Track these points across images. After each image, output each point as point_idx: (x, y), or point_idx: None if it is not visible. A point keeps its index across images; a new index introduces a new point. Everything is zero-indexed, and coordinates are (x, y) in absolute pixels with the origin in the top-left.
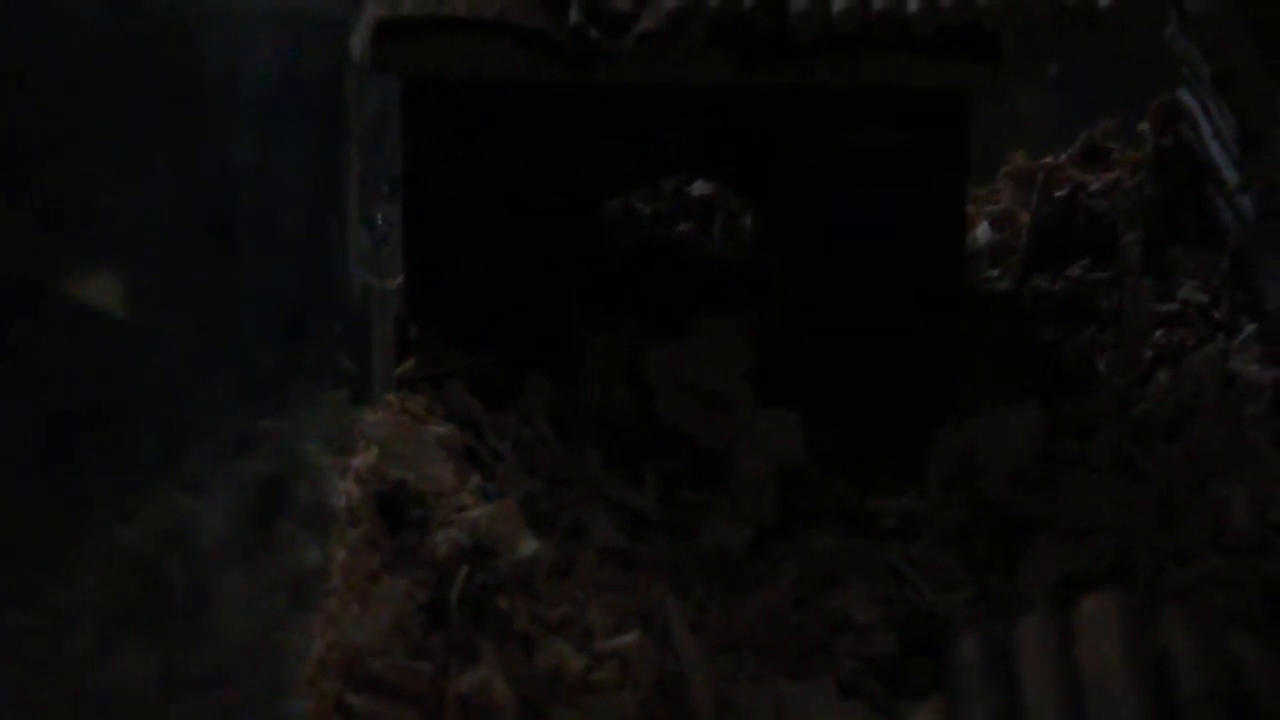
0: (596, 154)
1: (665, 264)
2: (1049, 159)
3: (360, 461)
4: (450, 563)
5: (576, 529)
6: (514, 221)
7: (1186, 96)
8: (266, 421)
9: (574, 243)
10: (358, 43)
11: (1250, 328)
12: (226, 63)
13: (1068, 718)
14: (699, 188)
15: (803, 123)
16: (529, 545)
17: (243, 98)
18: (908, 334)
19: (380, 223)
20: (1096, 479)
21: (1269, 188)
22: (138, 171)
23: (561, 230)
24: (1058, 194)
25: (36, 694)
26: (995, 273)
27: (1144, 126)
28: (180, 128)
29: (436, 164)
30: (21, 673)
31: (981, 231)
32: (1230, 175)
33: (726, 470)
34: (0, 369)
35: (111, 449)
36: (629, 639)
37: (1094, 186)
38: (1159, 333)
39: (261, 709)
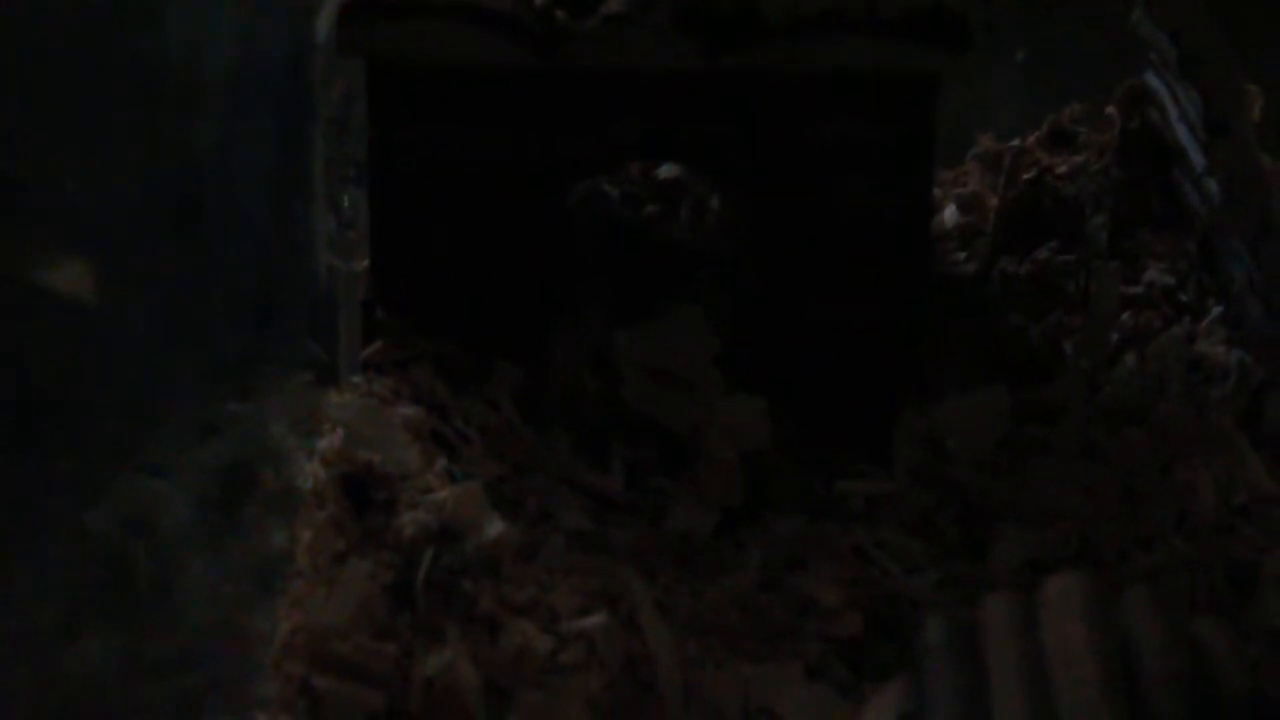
0: (563, 138)
1: (632, 247)
2: (1017, 142)
3: (326, 444)
4: (416, 545)
5: (543, 512)
6: (480, 205)
7: (1153, 80)
8: (232, 405)
9: (541, 226)
10: (323, 25)
11: (1217, 310)
12: (191, 45)
13: (1033, 698)
14: (666, 171)
15: (770, 107)
16: (495, 528)
17: (208, 81)
18: (874, 318)
19: (346, 206)
20: (1062, 464)
21: (1235, 171)
22: (101, 155)
23: (528, 214)
24: (1025, 177)
25: (1, 678)
26: (963, 255)
27: (1111, 110)
28: (145, 111)
29: (402, 147)
30: None
31: (949, 214)
32: (1197, 159)
33: (693, 454)
34: None
35: (76, 434)
36: (595, 621)
37: (1061, 169)
38: (1126, 315)
39: (227, 692)
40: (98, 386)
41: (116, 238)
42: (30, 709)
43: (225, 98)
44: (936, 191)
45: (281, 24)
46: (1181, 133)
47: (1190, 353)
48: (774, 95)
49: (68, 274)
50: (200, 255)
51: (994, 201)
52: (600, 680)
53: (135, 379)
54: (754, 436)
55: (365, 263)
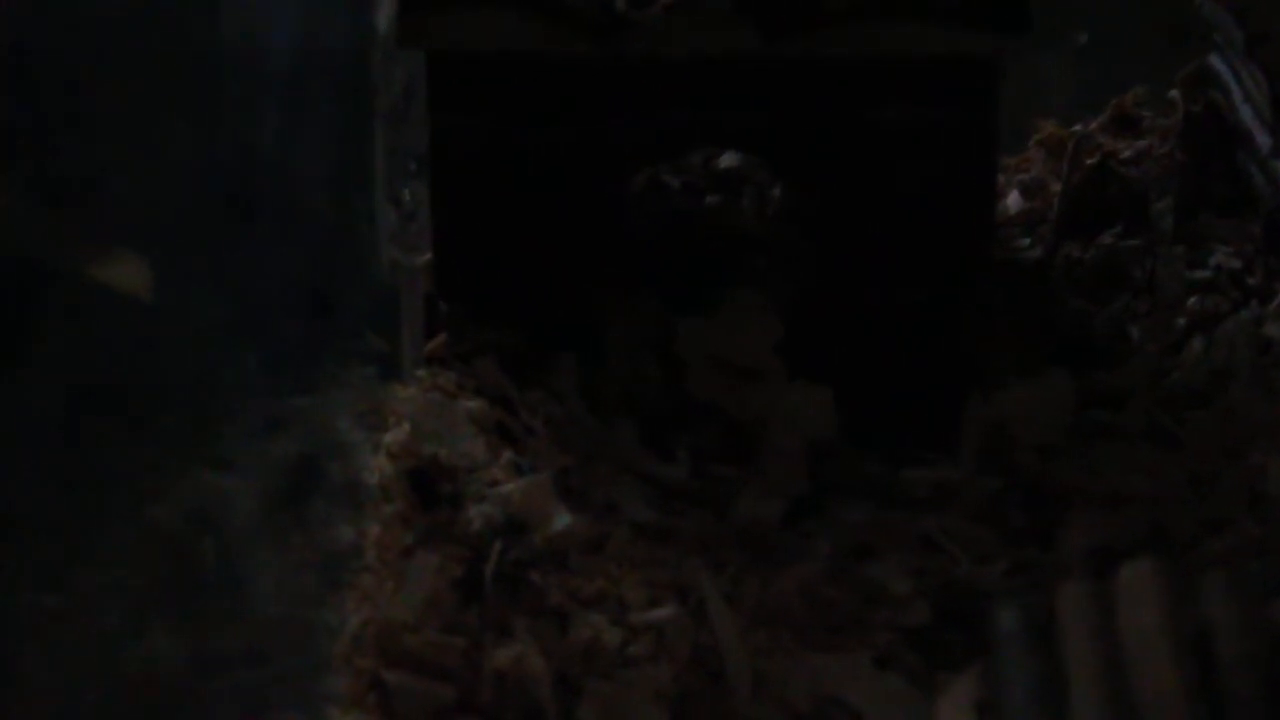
0: (624, 127)
1: (694, 237)
2: (1079, 127)
3: (392, 437)
4: (484, 538)
5: (609, 504)
6: (541, 196)
7: (1217, 62)
8: (296, 399)
9: (602, 217)
10: (383, 17)
11: None
12: (252, 39)
13: (1109, 685)
14: (727, 160)
15: (831, 93)
16: (562, 520)
17: (268, 74)
18: (938, 305)
19: (407, 199)
20: (1130, 448)
21: None
22: (163, 150)
23: (589, 204)
24: (1089, 162)
25: (68, 675)
26: (1026, 241)
27: (1175, 93)
28: (205, 105)
29: (463, 139)
30: (53, 654)
31: (1012, 200)
32: (1262, 140)
33: (758, 444)
34: (29, 352)
35: (142, 430)
36: (664, 612)
37: (1125, 154)
38: (1192, 300)
39: (297, 687)
40: (162, 382)
41: (179, 232)
42: (98, 705)
43: (287, 91)
44: (1000, 178)
45: (341, 16)
46: (1246, 115)
47: (1258, 336)
48: (835, 81)
49: (129, 270)
50: (263, 249)
51: (1057, 187)
52: (669, 672)
53: (199, 374)
54: (819, 425)
55: (427, 256)
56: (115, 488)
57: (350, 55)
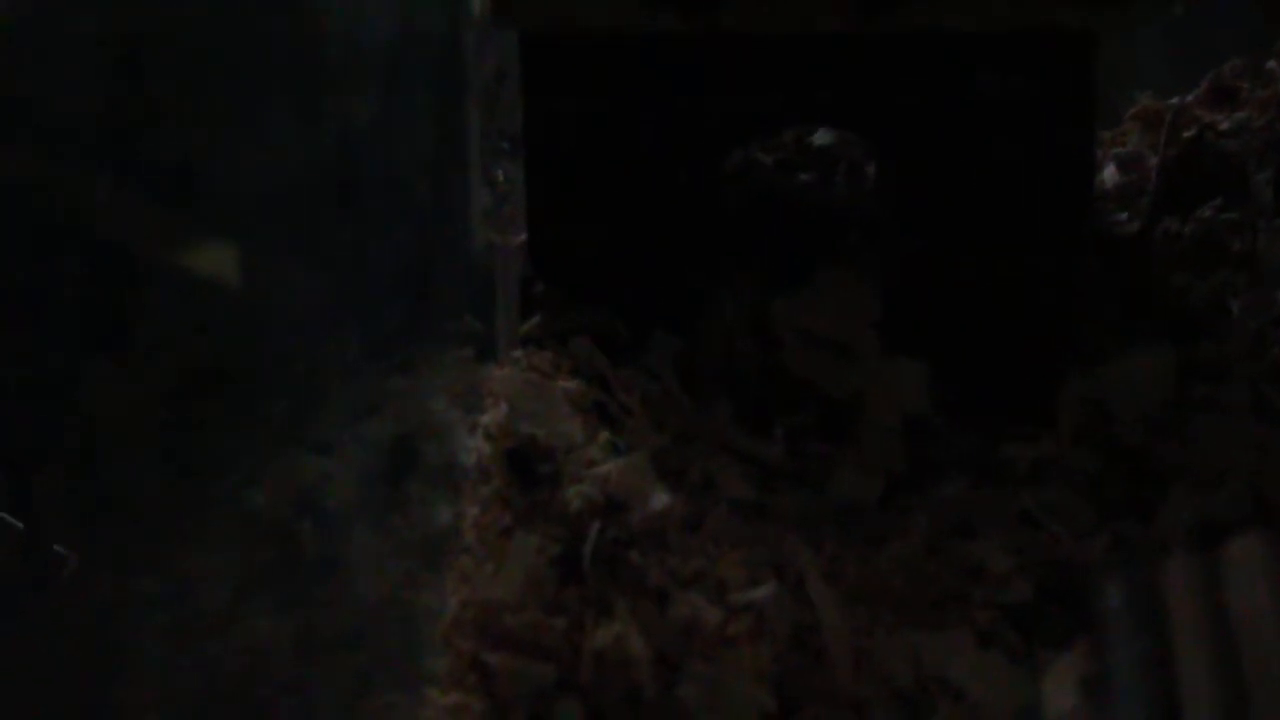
0: (717, 105)
1: (788, 215)
2: (1176, 100)
3: (489, 418)
4: (582, 518)
5: (706, 482)
6: (635, 175)
7: None
8: (394, 381)
9: (696, 195)
10: None
11: None
12: (347, 21)
13: (1220, 661)
14: (820, 137)
15: (927, 68)
16: (660, 499)
17: (364, 56)
18: (1035, 280)
19: (501, 179)
20: (1232, 422)
21: None
22: (262, 135)
23: (683, 183)
24: (1186, 135)
25: (172, 659)
26: (1124, 215)
27: (1273, 64)
28: (303, 89)
29: (557, 119)
30: (156, 638)
31: (1109, 173)
32: None
33: (855, 421)
34: (132, 340)
35: (240, 413)
36: (764, 591)
37: (1223, 126)
38: None
39: (397, 668)
40: (261, 366)
41: (279, 216)
42: (201, 688)
43: (382, 73)
44: (1096, 151)
45: None
46: None
47: None
48: (930, 56)
49: (227, 255)
50: (360, 232)
51: (1154, 161)
52: (769, 651)
53: (298, 357)
54: (916, 401)
55: (522, 236)
56: (217, 472)
57: (444, 37)
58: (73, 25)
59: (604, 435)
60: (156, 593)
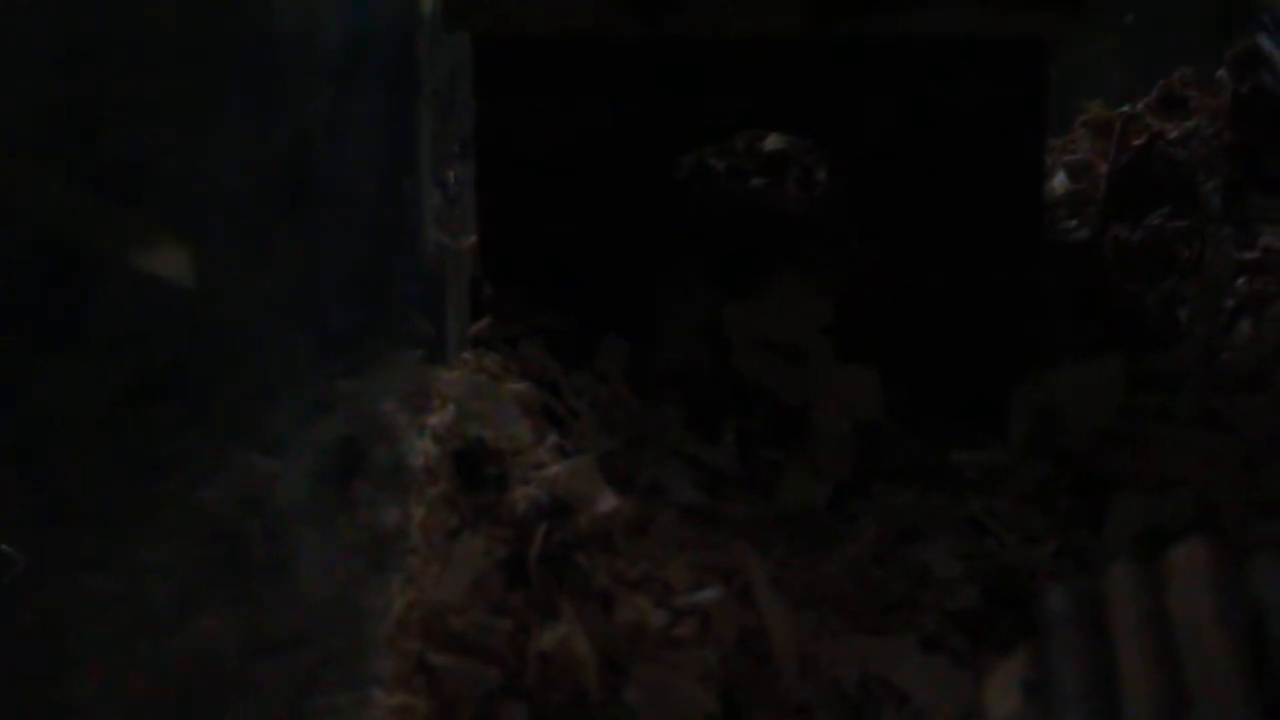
0: (670, 109)
1: (740, 219)
2: (1127, 108)
3: (438, 420)
4: (529, 520)
5: (655, 486)
6: (587, 178)
7: (1266, 42)
8: (343, 382)
9: (648, 199)
10: (429, 1)
11: None
12: (300, 21)
13: (1161, 668)
14: (772, 142)
15: (880, 74)
16: (607, 502)
17: (316, 56)
18: (986, 287)
19: (453, 182)
20: (1180, 431)
21: None
22: (210, 134)
23: (635, 187)
24: (1136, 142)
25: (118, 657)
26: (1073, 223)
27: (1223, 73)
28: (255, 87)
29: (509, 122)
30: (102, 636)
31: (1059, 181)
32: None
33: (805, 426)
34: (79, 337)
35: (189, 412)
36: (710, 594)
37: (1172, 134)
38: (1241, 281)
39: (342, 669)
40: (211, 365)
41: (229, 215)
42: (146, 687)
43: (334, 73)
44: (1047, 159)
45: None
46: None
47: None
48: (882, 61)
49: (178, 254)
50: (311, 233)
51: (1104, 168)
52: (715, 654)
53: (248, 357)
54: (866, 407)
55: (472, 238)
56: (165, 471)
57: (397, 38)
58: (21, 21)
59: (552, 438)
60: (104, 591)
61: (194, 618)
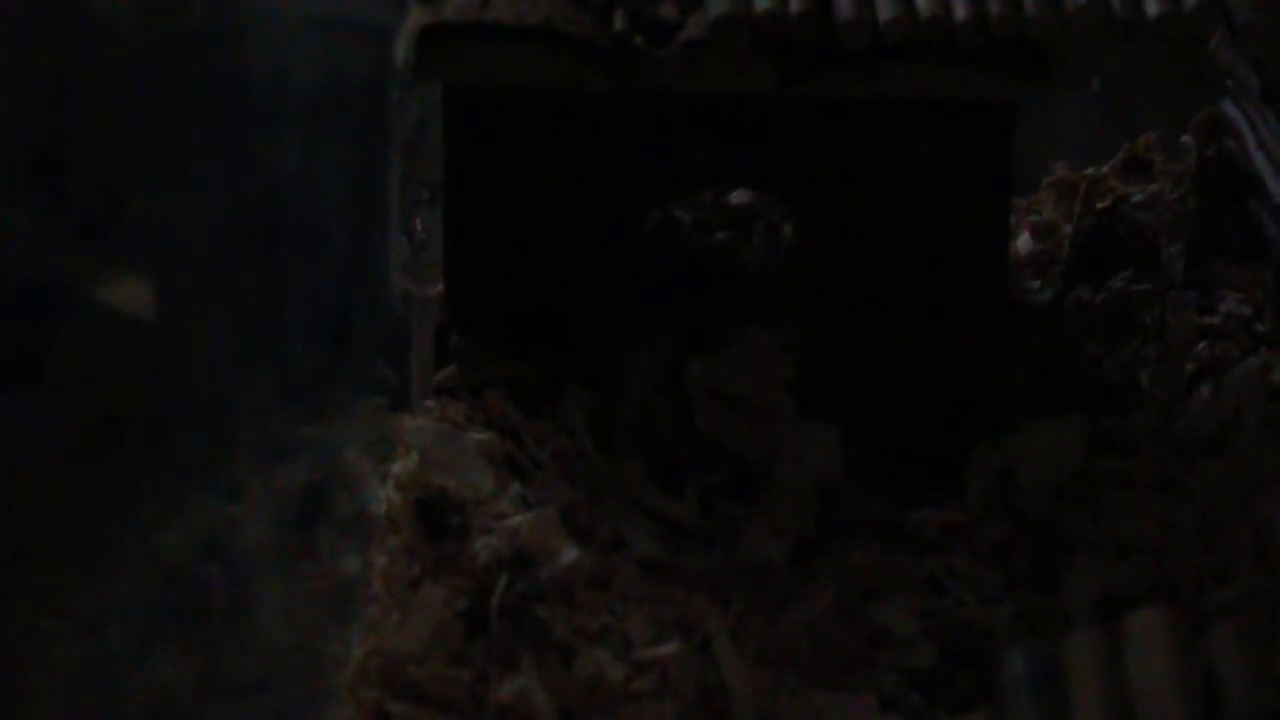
0: (639, 163)
1: (704, 274)
2: (1091, 170)
3: (400, 468)
4: (490, 571)
5: (616, 539)
6: (554, 230)
7: (1230, 108)
8: (306, 428)
9: (615, 252)
10: (401, 49)
11: None
12: (270, 69)
13: None
14: (738, 197)
15: (847, 134)
16: (569, 554)
17: (286, 104)
18: (949, 347)
19: (419, 229)
20: (1138, 495)
21: None
22: (181, 176)
23: (602, 239)
24: (1100, 205)
25: (73, 700)
26: (1037, 284)
27: (1187, 138)
28: (223, 133)
29: (478, 171)
30: (58, 680)
31: (1023, 242)
32: (1275, 187)
33: (766, 482)
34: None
35: (150, 454)
36: (669, 648)
37: (1136, 198)
38: (1202, 346)
39: (301, 716)
40: (172, 408)
41: (195, 258)
42: None
43: (303, 121)
44: (1011, 219)
45: (361, 47)
46: (1259, 162)
47: (1267, 384)
48: (851, 121)
49: (138, 296)
50: (276, 277)
51: (1068, 230)
52: (674, 709)
53: (210, 400)
54: (827, 464)
55: (438, 287)
56: (124, 513)
57: (368, 85)
58: None
59: (515, 488)
60: (60, 633)
61: (151, 663)
